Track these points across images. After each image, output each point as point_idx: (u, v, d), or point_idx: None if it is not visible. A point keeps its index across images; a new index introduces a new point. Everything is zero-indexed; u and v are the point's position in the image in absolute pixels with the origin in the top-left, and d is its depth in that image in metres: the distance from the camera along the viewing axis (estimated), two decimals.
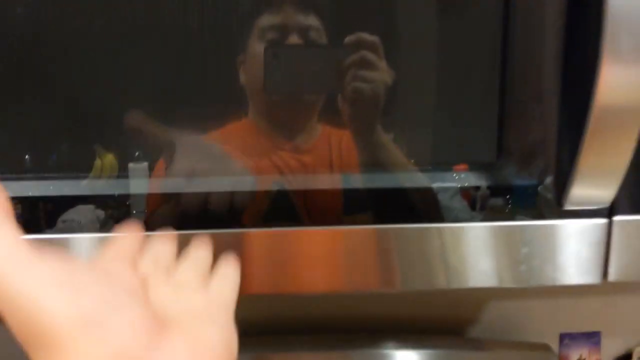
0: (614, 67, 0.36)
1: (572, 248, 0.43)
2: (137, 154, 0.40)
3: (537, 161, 0.42)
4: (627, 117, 0.37)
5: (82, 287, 0.29)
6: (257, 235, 0.42)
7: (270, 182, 0.41)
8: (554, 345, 0.84)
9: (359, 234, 0.42)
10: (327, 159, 0.41)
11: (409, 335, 0.78)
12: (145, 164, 0.41)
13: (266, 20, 0.38)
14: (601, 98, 0.37)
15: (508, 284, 0.43)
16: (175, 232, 0.38)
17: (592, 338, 0.84)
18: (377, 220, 0.42)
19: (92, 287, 0.29)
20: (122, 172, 0.40)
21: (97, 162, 0.40)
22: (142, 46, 0.39)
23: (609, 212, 0.42)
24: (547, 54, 0.40)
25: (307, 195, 0.41)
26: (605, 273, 0.43)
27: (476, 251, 0.43)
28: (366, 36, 0.39)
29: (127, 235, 0.36)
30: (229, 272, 0.38)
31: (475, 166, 0.43)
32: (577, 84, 0.39)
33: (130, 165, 0.40)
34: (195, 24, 0.38)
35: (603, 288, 0.82)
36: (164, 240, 0.38)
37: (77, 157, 0.41)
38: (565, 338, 0.84)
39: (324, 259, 0.42)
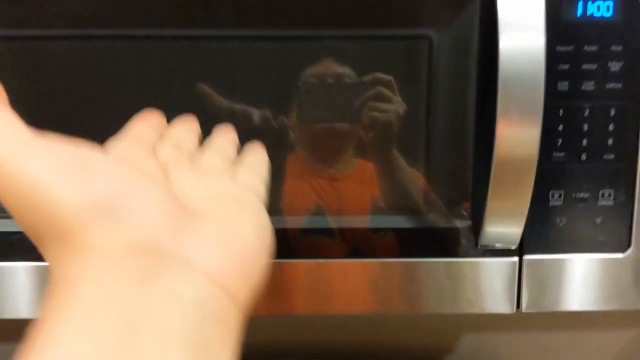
0: (506, 127, 0.44)
1: (488, 282, 0.49)
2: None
3: (458, 207, 0.49)
4: (521, 169, 0.45)
5: (93, 171, 0.25)
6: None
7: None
8: None
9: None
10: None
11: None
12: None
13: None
14: (498, 152, 0.44)
15: (433, 310, 0.50)
16: (195, 123, 0.38)
17: None
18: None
19: (105, 171, 0.26)
20: None
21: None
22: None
23: (520, 251, 0.49)
24: (464, 120, 0.48)
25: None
26: (518, 304, 0.50)
27: (408, 281, 0.50)
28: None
29: (145, 122, 0.34)
30: (257, 157, 0.37)
31: (406, 212, 0.50)
32: (487, 142, 0.46)
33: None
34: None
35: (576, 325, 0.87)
36: (186, 127, 0.36)
37: None
38: None
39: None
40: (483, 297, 0.50)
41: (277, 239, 0.35)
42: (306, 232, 0.49)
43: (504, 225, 0.47)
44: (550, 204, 0.49)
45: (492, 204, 0.46)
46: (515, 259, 0.49)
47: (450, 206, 0.50)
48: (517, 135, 0.44)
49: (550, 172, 0.48)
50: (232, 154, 0.36)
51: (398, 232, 0.49)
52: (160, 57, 0.46)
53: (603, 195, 0.49)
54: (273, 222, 0.33)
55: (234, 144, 0.37)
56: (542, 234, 0.49)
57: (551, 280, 0.49)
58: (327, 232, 0.49)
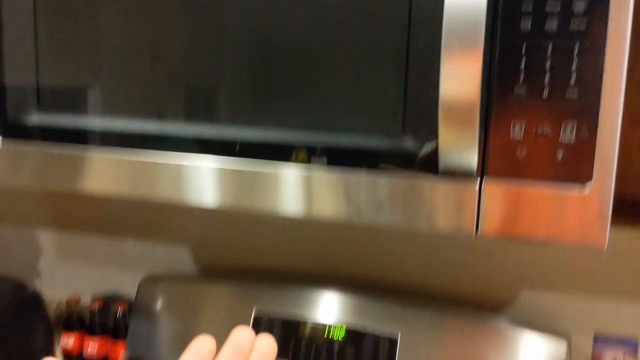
0: (448, 65, 0.49)
1: (448, 204, 0.54)
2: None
3: (429, 133, 0.55)
4: (465, 102, 0.49)
5: None
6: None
7: None
8: (587, 343, 0.88)
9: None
10: None
11: (442, 303, 0.89)
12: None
13: None
14: (444, 88, 0.49)
15: (395, 224, 0.56)
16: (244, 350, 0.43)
17: (628, 344, 0.86)
18: None
19: None
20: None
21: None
22: None
23: (480, 178, 0.53)
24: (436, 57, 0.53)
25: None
26: (477, 228, 0.54)
27: (375, 194, 0.57)
28: None
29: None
30: None
31: (390, 137, 0.57)
32: None
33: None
34: None
35: None
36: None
37: None
38: (600, 339, 0.87)
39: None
40: (443, 218, 0.55)
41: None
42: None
43: (457, 153, 0.52)
44: (511, 136, 0.52)
45: (443, 133, 0.51)
46: (476, 185, 0.54)
47: (423, 131, 0.55)
48: (459, 73, 0.49)
49: (511, 106, 0.51)
50: None
51: (371, 150, 0.57)
52: None
53: (565, 130, 0.51)
54: None
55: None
56: (503, 163, 0.52)
57: (511, 208, 0.53)
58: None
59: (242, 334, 0.43)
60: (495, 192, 0.53)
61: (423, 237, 0.95)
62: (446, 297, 0.94)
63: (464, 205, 0.54)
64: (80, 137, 0.68)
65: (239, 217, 1.05)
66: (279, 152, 0.60)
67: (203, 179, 0.63)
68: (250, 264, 1.06)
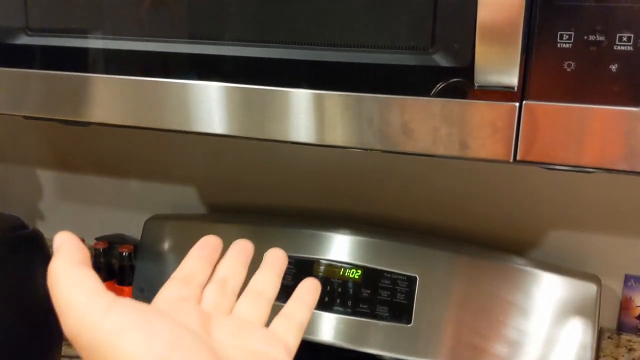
0: None
1: (484, 125, 0.48)
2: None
3: (462, 51, 0.48)
4: (506, 8, 0.43)
5: (155, 331, 0.31)
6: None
7: None
8: (618, 285, 0.83)
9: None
10: None
11: (463, 245, 0.84)
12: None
13: None
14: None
15: (425, 150, 0.50)
16: (248, 251, 0.43)
17: None
18: None
19: (163, 332, 0.31)
20: None
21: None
22: None
23: (521, 96, 0.47)
24: None
25: None
26: (515, 152, 0.48)
27: (407, 120, 0.51)
28: None
29: (199, 256, 0.41)
30: (303, 301, 0.41)
31: (415, 51, 0.50)
32: None
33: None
34: None
35: None
36: (236, 260, 0.42)
37: None
38: (631, 279, 0.82)
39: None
40: (477, 142, 0.49)
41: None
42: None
43: (496, 68, 0.45)
44: (559, 45, 0.45)
45: (481, 46, 0.45)
46: (516, 104, 0.47)
47: (455, 46, 0.49)
48: None
49: (559, 10, 0.45)
50: (273, 295, 0.41)
51: (394, 69, 0.50)
52: None
53: (621, 39, 0.44)
54: None
55: (279, 277, 0.42)
56: (547, 78, 0.46)
57: (554, 130, 0.47)
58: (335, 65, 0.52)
59: (245, 241, 0.44)
60: (537, 113, 0.47)
61: (443, 177, 0.89)
62: (469, 239, 0.89)
63: (502, 127, 0.48)
64: (77, 62, 0.62)
65: (247, 155, 0.99)
66: (291, 73, 0.54)
67: (210, 102, 0.57)
68: (259, 204, 1.01)
